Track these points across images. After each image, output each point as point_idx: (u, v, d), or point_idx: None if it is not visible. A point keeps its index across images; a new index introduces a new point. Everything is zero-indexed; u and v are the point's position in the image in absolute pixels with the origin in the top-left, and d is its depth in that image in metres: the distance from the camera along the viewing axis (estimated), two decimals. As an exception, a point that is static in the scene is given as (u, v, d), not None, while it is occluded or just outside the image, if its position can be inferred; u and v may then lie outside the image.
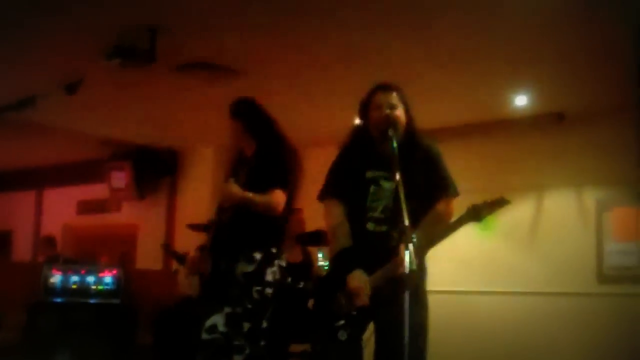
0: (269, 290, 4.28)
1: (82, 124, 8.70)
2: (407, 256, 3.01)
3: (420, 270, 3.41)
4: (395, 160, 3.37)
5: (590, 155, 7.74)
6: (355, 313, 3.47)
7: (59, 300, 6.14)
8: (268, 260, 4.28)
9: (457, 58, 6.19)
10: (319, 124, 8.32)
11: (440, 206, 3.60)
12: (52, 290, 6.14)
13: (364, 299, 3.42)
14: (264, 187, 4.22)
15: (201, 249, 4.56)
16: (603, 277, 7.60)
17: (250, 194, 4.19)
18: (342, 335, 3.46)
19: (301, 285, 5.79)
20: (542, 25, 5.41)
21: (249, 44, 5.98)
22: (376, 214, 3.57)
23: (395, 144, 3.44)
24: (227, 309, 4.20)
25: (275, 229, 4.40)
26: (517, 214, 8.08)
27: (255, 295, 4.21)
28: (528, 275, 7.97)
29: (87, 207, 11.34)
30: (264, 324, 4.31)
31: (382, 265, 3.45)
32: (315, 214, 5.23)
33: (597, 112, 7.64)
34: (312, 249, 6.45)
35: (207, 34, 5.75)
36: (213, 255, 4.37)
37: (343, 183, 3.69)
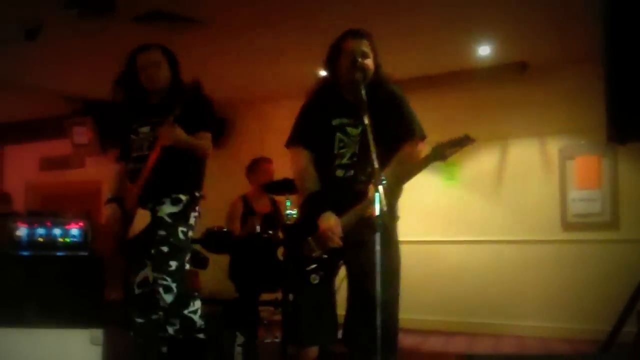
0: (191, 233, 4.26)
1: (41, 78, 8.52)
2: (377, 198, 3.05)
3: (390, 213, 3.42)
4: (363, 106, 3.39)
5: (553, 104, 7.80)
6: (326, 256, 3.48)
7: (25, 253, 6.03)
8: (192, 203, 4.25)
9: (419, 8, 6.15)
10: (284, 76, 8.25)
11: (408, 148, 3.61)
12: (18, 244, 6.01)
13: (336, 240, 3.44)
14: (192, 131, 4.16)
15: (111, 200, 4.35)
16: (567, 225, 7.73)
17: (193, 138, 4.15)
18: (314, 279, 3.48)
19: (270, 233, 5.80)
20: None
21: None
22: (344, 161, 3.59)
23: (363, 91, 3.46)
24: (153, 250, 4.13)
25: (199, 173, 4.37)
26: (482, 164, 8.16)
27: (180, 235, 4.16)
28: (494, 224, 8.07)
29: (49, 164, 11.20)
30: (187, 266, 4.25)
31: (351, 208, 3.48)
32: (283, 165, 5.27)
33: (559, 61, 7.69)
34: (279, 198, 6.44)
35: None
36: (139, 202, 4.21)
37: (309, 131, 3.70)
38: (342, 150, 3.60)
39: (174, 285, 4.07)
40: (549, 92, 7.81)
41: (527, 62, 7.79)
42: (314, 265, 3.48)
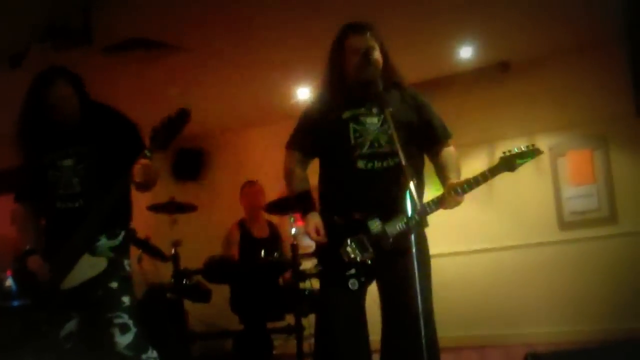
0: (131, 268, 3.84)
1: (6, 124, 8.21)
2: (407, 196, 3.02)
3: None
4: (383, 101, 3.38)
5: (538, 102, 7.68)
6: (369, 262, 3.33)
7: (16, 303, 5.74)
8: (129, 237, 3.88)
9: (395, 13, 5.99)
10: (266, 100, 8.05)
11: (452, 148, 3.72)
12: (8, 295, 5.74)
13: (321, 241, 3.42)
14: (133, 157, 3.56)
15: (28, 252, 3.72)
16: (564, 224, 7.59)
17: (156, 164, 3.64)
18: (354, 285, 3.29)
19: (276, 256, 5.62)
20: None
21: (188, 18, 5.73)
22: (365, 151, 3.46)
23: (381, 86, 3.39)
24: (100, 291, 3.60)
25: (130, 204, 3.92)
26: (471, 170, 7.89)
27: (127, 267, 3.75)
28: (491, 231, 7.88)
29: (21, 215, 10.84)
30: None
31: (386, 203, 3.39)
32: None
33: (542, 57, 7.61)
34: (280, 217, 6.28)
35: (143, 10, 5.49)
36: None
37: (306, 134, 3.64)
38: (359, 140, 3.47)
39: (130, 323, 3.58)
40: (534, 90, 7.69)
41: (509, 61, 7.69)
42: (353, 270, 3.27)
